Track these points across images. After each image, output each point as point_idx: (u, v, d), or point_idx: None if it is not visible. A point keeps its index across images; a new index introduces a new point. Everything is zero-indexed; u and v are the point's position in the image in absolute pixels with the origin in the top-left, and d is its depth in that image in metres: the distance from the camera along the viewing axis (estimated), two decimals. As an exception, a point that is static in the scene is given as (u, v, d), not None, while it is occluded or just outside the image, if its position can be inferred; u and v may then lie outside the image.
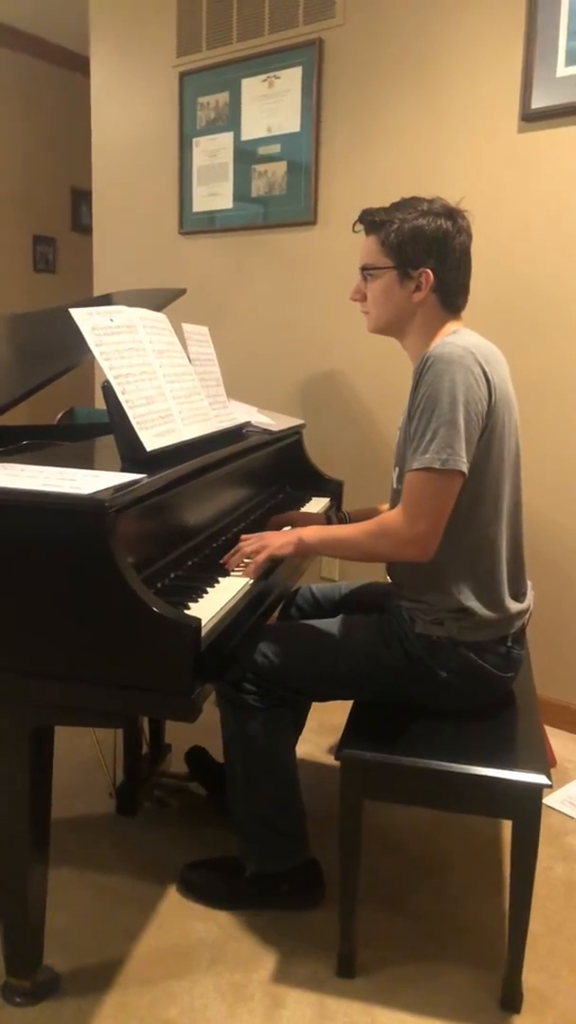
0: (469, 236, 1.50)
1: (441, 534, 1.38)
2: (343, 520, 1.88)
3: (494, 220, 2.39)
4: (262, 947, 1.53)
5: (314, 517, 1.89)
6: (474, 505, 1.43)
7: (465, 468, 1.35)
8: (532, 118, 2.29)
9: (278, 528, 1.74)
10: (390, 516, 1.42)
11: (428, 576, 1.46)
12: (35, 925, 1.36)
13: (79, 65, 4.48)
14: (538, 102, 2.26)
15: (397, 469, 1.55)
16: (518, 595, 1.53)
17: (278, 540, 1.51)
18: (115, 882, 1.70)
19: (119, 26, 3.27)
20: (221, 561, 1.53)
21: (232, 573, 1.49)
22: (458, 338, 1.41)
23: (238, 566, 1.52)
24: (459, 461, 1.34)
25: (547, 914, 1.64)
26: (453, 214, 1.48)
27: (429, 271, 1.47)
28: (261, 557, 1.49)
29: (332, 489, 2.31)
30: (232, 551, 1.54)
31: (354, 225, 1.57)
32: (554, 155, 2.28)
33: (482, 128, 2.40)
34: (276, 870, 1.60)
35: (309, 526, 1.58)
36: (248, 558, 1.52)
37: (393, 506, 1.56)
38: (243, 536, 1.56)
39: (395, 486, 1.57)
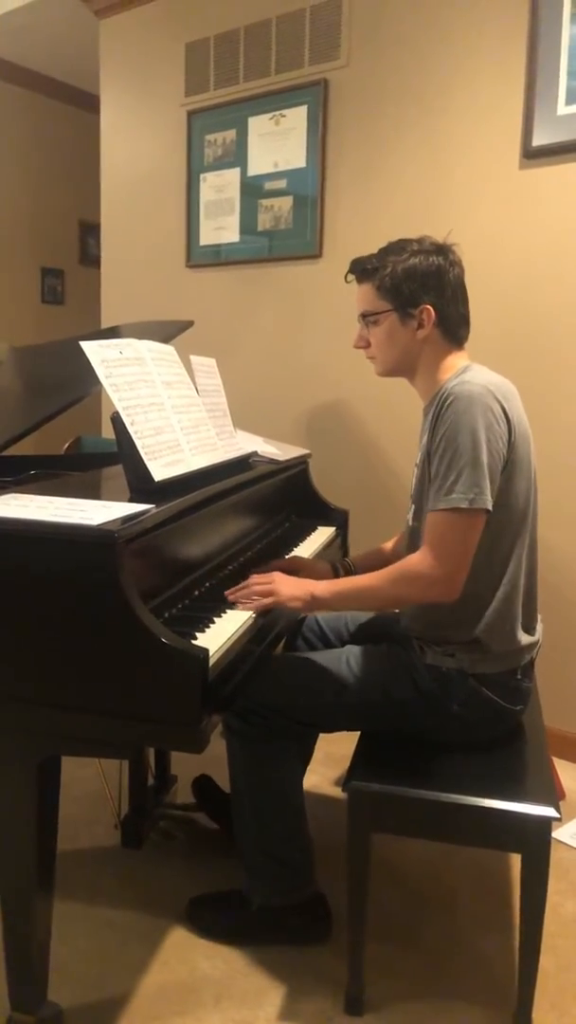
0: (462, 268, 1.52)
1: (467, 573, 1.37)
2: (348, 569, 1.81)
3: (496, 256, 2.42)
4: (269, 983, 1.51)
5: (322, 569, 1.78)
6: (496, 540, 1.43)
7: (490, 506, 1.35)
8: (533, 155, 2.33)
9: (283, 571, 1.63)
10: (413, 559, 1.40)
11: (442, 608, 1.45)
12: (40, 959, 1.34)
13: (89, 103, 4.58)
14: (539, 140, 2.31)
15: (413, 506, 1.55)
16: (529, 628, 1.52)
17: (289, 591, 1.45)
18: (120, 916, 1.68)
19: (129, 66, 3.35)
20: (227, 594, 1.48)
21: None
22: (474, 375, 1.42)
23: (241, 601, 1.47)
24: (485, 500, 1.34)
25: (557, 951, 1.61)
26: (443, 249, 1.51)
27: (429, 307, 1.49)
28: (267, 602, 1.44)
29: (337, 519, 2.32)
30: (240, 586, 1.48)
31: (346, 276, 1.59)
32: (555, 192, 2.32)
33: (484, 165, 2.45)
34: (283, 904, 1.59)
35: (321, 581, 1.49)
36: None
37: (410, 542, 1.55)
38: (255, 573, 1.51)
39: (411, 523, 1.56)
